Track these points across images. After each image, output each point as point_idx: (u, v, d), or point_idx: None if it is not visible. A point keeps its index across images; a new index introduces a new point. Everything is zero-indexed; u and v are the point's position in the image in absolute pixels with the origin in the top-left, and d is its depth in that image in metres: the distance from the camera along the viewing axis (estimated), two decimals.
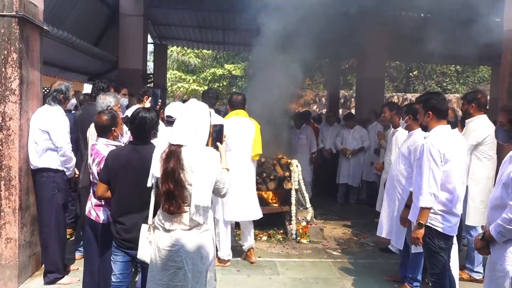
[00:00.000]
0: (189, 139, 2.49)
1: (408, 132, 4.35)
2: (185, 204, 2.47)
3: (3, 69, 3.79)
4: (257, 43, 6.08)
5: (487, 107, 4.60)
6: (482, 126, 4.27)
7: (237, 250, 5.13)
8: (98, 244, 3.31)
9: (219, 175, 2.54)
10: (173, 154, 2.46)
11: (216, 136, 2.79)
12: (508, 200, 2.51)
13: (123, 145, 3.29)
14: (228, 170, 2.79)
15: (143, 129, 2.92)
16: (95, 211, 3.24)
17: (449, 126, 3.33)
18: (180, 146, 2.48)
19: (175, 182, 2.44)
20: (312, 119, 9.23)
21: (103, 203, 3.19)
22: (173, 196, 2.44)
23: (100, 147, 3.21)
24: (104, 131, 3.29)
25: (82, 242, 4.56)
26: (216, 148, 2.77)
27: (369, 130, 7.94)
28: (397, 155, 4.44)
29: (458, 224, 3.37)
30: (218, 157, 2.57)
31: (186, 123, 2.50)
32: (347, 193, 8.24)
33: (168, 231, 2.51)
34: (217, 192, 2.62)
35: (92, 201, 3.27)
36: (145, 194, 2.69)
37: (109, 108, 4.05)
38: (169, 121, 3.84)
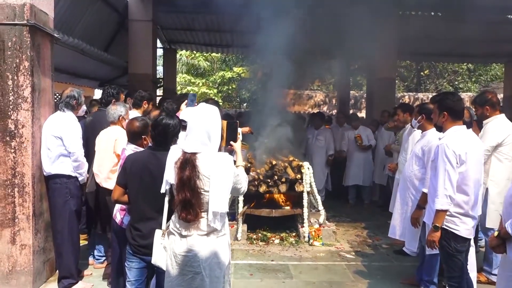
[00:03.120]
0: (203, 146, 2.48)
1: (422, 132, 4.29)
2: (202, 210, 2.47)
3: (15, 77, 3.83)
4: (266, 45, 6.07)
5: (501, 105, 4.50)
6: (500, 127, 4.17)
7: (250, 253, 5.12)
8: (120, 249, 3.28)
9: (235, 177, 2.55)
10: (188, 162, 2.45)
11: (231, 133, 2.80)
12: None
13: None
14: (244, 166, 2.81)
15: (166, 136, 2.90)
16: (120, 215, 3.22)
17: (464, 126, 3.26)
18: (194, 153, 2.47)
19: (191, 191, 2.43)
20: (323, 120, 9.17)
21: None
22: (190, 205, 2.44)
23: (128, 153, 3.21)
24: (134, 138, 3.31)
25: (96, 248, 4.60)
26: (231, 145, 2.79)
27: (382, 132, 7.80)
28: (410, 156, 4.38)
29: (476, 226, 3.30)
30: (232, 161, 2.56)
31: (199, 130, 2.49)
32: (359, 195, 8.15)
33: (184, 236, 2.50)
34: (235, 192, 2.67)
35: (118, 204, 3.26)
36: (162, 199, 2.68)
37: (120, 117, 4.09)
38: (184, 126, 3.84)
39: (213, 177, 2.43)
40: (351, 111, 14.58)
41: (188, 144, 2.50)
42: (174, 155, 2.55)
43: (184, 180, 2.44)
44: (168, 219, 2.67)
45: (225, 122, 2.77)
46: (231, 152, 2.90)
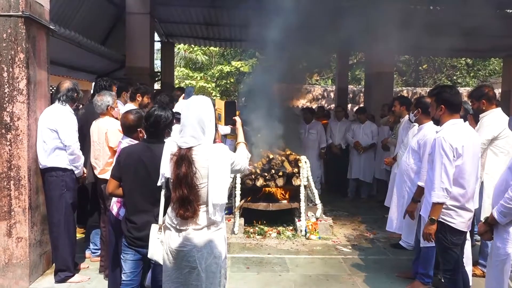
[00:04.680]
0: (198, 140, 2.46)
1: (418, 126, 4.29)
2: (199, 204, 2.46)
3: (11, 69, 3.80)
4: (264, 39, 6.04)
5: (499, 100, 4.51)
6: (496, 121, 4.18)
7: (247, 247, 5.13)
8: (116, 241, 3.27)
9: (232, 163, 2.54)
10: (184, 158, 2.42)
11: (229, 112, 2.83)
12: (510, 180, 2.52)
13: None
14: (245, 144, 2.84)
15: (158, 127, 2.90)
16: (116, 206, 3.22)
17: (461, 120, 3.26)
18: (190, 148, 2.46)
19: (188, 187, 2.41)
20: (321, 114, 9.16)
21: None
22: (188, 201, 2.41)
23: (123, 146, 3.21)
24: (129, 131, 3.31)
25: (92, 241, 4.60)
26: (233, 124, 2.86)
27: (381, 127, 7.79)
28: (407, 150, 4.38)
29: (472, 219, 3.31)
30: (227, 150, 2.55)
31: (192, 125, 2.46)
32: (358, 189, 8.17)
33: (180, 231, 2.49)
34: (236, 172, 2.71)
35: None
36: (156, 192, 2.68)
37: (109, 107, 4.07)
38: (178, 118, 3.84)
39: (211, 169, 2.42)
40: (349, 106, 14.57)
41: (182, 140, 2.48)
42: (169, 148, 2.53)
43: (181, 177, 2.41)
44: (164, 213, 2.66)
45: (222, 102, 2.81)
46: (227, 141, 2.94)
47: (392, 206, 4.51)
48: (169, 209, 2.56)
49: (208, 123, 2.49)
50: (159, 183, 2.61)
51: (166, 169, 2.52)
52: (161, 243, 2.61)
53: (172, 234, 2.51)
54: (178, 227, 2.49)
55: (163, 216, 2.66)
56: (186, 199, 2.41)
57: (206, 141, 2.48)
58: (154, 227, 2.68)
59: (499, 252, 2.62)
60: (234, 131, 3.06)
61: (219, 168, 2.43)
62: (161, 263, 2.61)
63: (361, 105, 13.17)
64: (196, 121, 2.46)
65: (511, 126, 3.08)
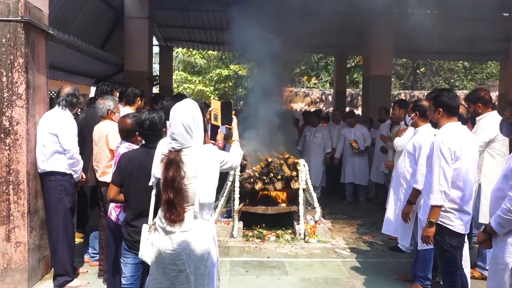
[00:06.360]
0: (187, 143, 2.49)
1: (414, 129, 4.32)
2: (187, 205, 2.48)
3: (10, 74, 3.81)
4: (262, 42, 6.06)
5: (496, 103, 4.56)
6: (493, 123, 4.21)
7: (246, 250, 5.13)
8: (116, 246, 3.27)
9: (221, 162, 2.59)
10: (173, 162, 2.46)
11: (226, 113, 2.89)
12: (507, 190, 2.51)
13: None
14: (240, 142, 2.91)
15: (155, 130, 2.94)
16: (115, 212, 3.22)
17: (459, 123, 3.28)
18: (179, 150, 2.49)
19: (174, 191, 2.45)
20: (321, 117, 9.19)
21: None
22: (174, 205, 2.45)
23: (122, 150, 3.23)
24: (127, 135, 3.32)
25: (90, 245, 4.60)
26: (229, 123, 2.95)
27: (382, 128, 7.78)
28: (403, 152, 4.40)
29: (470, 222, 3.32)
30: (216, 149, 2.60)
31: (180, 128, 2.48)
32: (355, 192, 8.18)
33: (168, 233, 2.51)
34: (227, 169, 2.74)
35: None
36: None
37: (109, 111, 4.09)
38: None
39: (200, 169, 2.45)
40: (347, 109, 14.61)
41: (171, 145, 2.51)
42: (161, 149, 2.56)
43: (168, 181, 2.45)
44: (156, 213, 2.67)
45: (219, 103, 2.87)
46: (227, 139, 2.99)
47: (389, 208, 4.52)
48: (160, 211, 2.58)
49: (195, 127, 2.51)
50: (150, 183, 2.65)
51: (157, 170, 2.56)
52: (152, 245, 2.62)
53: (161, 237, 2.53)
54: (166, 228, 2.51)
55: (155, 216, 2.68)
56: (171, 202, 2.45)
57: (195, 143, 2.51)
58: (145, 227, 2.70)
59: (498, 261, 2.62)
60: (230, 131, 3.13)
61: (208, 167, 2.47)
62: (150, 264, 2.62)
63: (360, 108, 13.23)
64: (183, 128, 2.48)
65: (501, 127, 3.11)
